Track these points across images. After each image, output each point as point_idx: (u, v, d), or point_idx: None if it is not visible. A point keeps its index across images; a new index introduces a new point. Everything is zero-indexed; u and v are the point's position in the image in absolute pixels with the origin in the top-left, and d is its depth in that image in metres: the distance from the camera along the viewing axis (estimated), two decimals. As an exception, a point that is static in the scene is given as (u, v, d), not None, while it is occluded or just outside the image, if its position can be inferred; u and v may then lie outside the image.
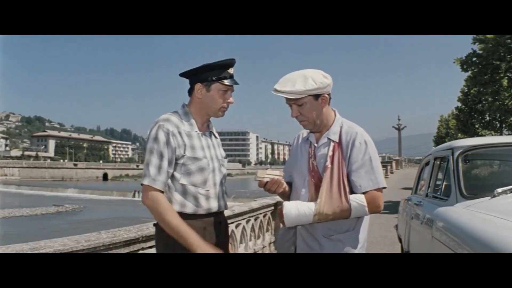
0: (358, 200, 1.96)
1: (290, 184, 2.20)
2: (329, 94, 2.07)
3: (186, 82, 2.18)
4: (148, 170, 2.02)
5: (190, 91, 2.17)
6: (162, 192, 2.02)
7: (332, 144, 2.05)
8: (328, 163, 2.01)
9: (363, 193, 1.98)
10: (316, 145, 2.10)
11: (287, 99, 2.03)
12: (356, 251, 2.04)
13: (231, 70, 2.14)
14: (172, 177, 2.05)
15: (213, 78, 2.10)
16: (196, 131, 2.12)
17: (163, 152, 2.01)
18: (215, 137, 2.26)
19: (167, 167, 2.02)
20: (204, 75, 2.11)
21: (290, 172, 2.21)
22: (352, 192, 1.99)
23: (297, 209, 1.97)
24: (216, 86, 2.11)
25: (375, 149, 2.06)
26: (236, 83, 2.16)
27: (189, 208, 2.05)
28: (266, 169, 2.07)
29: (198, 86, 2.12)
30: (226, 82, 2.11)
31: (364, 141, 2.02)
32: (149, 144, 2.05)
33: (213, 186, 2.11)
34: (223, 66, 2.12)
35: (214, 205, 2.11)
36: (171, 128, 2.04)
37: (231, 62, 2.15)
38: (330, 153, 2.03)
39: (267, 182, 2.01)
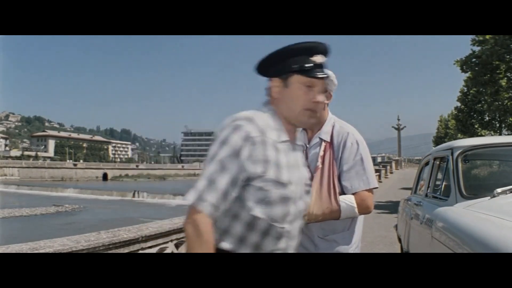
0: (347, 201, 1.94)
1: None
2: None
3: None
4: (199, 182, 1.46)
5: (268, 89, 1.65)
6: (209, 218, 1.42)
7: (323, 144, 2.04)
8: (319, 163, 2.00)
9: (353, 193, 1.96)
10: (308, 145, 2.09)
11: None
12: (351, 251, 2.04)
13: (318, 58, 1.60)
14: (240, 202, 1.47)
15: (292, 68, 1.57)
16: (284, 142, 1.56)
17: (228, 163, 1.43)
18: (302, 151, 1.84)
19: (226, 186, 1.43)
20: (281, 65, 1.58)
21: None
22: (342, 192, 1.98)
23: None
24: (297, 79, 1.57)
25: (367, 149, 2.05)
26: (325, 76, 1.61)
27: (249, 248, 1.51)
28: None
29: (274, 81, 1.60)
30: (310, 73, 1.57)
31: (355, 141, 2.01)
32: (214, 146, 1.47)
33: (291, 222, 1.55)
34: (305, 50, 1.59)
35: (282, 247, 1.55)
36: (253, 133, 1.46)
37: (317, 46, 1.61)
38: (321, 153, 2.02)
39: None
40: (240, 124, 1.46)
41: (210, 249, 1.43)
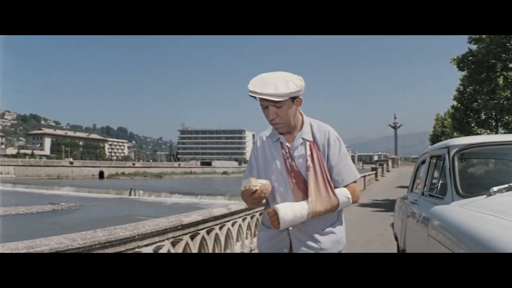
0: (344, 194, 2.10)
1: None
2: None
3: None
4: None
5: None
6: None
7: (308, 143, 2.12)
8: (309, 162, 2.08)
9: (344, 186, 2.13)
10: (288, 145, 2.14)
11: (265, 101, 2.01)
12: (345, 239, 2.20)
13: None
14: None
15: None
16: None
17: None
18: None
19: None
20: None
21: (260, 175, 2.19)
22: (334, 186, 2.11)
23: (292, 211, 2.02)
24: None
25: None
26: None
27: None
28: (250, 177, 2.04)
29: None
30: None
31: (336, 138, 2.16)
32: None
33: None
34: None
35: None
36: None
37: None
38: (309, 152, 2.10)
39: (255, 190, 2.00)
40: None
41: None
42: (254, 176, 2.19)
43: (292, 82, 2.01)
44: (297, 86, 2.01)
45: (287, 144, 2.14)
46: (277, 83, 1.98)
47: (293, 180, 2.10)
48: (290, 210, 2.02)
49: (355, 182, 2.16)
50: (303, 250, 2.09)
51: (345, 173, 2.13)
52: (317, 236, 2.10)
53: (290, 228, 2.09)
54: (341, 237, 2.17)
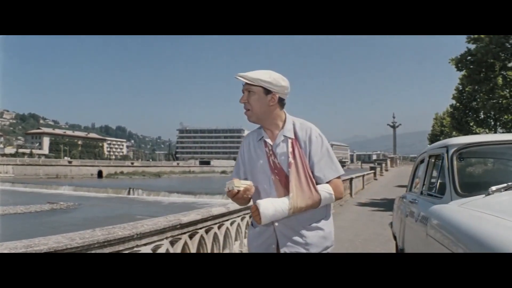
0: (326, 190, 2.12)
1: None
2: (282, 99, 2.16)
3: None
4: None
5: None
6: None
7: (289, 141, 2.16)
8: (291, 159, 2.12)
9: (327, 182, 2.14)
10: (271, 143, 2.18)
11: (244, 85, 2.12)
12: (332, 235, 2.22)
13: None
14: None
15: None
16: None
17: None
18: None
19: None
20: None
21: (247, 174, 2.26)
22: (316, 182, 2.12)
23: (273, 205, 2.06)
24: None
25: (327, 141, 2.23)
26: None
27: None
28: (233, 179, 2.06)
29: None
30: None
31: (319, 135, 2.18)
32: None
33: None
34: None
35: None
36: None
37: None
38: (290, 149, 2.14)
39: (238, 191, 2.02)
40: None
41: None
42: (240, 175, 2.26)
43: (268, 74, 2.10)
44: (270, 78, 2.09)
45: (270, 142, 2.19)
46: (255, 71, 2.12)
47: (276, 177, 2.14)
48: (271, 205, 2.05)
49: (338, 178, 2.17)
50: (289, 245, 2.12)
51: (326, 169, 2.14)
52: (303, 231, 2.13)
53: (276, 224, 2.13)
54: (329, 233, 2.19)
